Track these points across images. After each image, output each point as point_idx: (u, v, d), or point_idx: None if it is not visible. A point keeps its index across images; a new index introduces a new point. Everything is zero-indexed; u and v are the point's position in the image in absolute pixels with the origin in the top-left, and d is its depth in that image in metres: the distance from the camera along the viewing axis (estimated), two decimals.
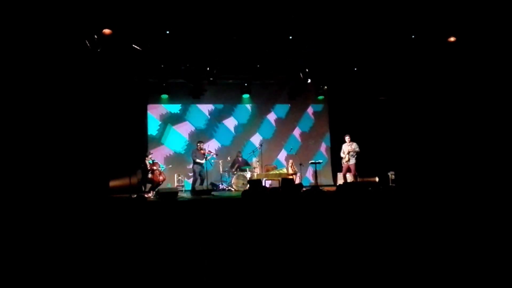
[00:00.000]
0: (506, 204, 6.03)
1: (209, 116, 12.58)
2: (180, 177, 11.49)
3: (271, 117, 12.96)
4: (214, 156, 10.97)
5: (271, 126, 12.93)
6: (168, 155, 12.05)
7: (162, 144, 12.12)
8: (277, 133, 12.94)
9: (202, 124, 12.51)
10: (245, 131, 12.72)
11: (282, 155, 12.59)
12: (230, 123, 12.74)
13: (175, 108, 12.34)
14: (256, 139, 12.28)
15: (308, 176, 12.51)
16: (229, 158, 12.02)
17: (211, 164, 11.03)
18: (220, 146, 12.40)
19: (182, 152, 12.08)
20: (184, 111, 12.45)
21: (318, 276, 2.85)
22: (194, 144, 11.10)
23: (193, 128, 12.38)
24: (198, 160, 10.57)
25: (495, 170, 9.06)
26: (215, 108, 12.64)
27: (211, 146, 12.01)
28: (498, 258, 3.16)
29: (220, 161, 11.72)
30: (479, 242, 3.72)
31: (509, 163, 8.91)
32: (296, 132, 13.06)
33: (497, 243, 3.62)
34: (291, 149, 11.67)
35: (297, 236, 4.15)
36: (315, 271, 2.97)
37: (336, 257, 3.30)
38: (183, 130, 12.31)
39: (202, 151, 10.66)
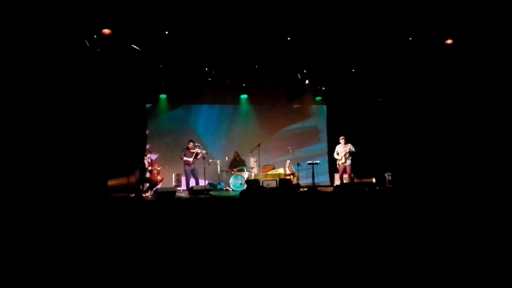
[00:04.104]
0: (502, 203, 6.09)
1: (207, 116, 12.62)
2: (178, 177, 11.50)
3: (269, 117, 13.00)
4: (204, 156, 10.85)
5: (269, 126, 12.97)
6: (166, 154, 12.05)
7: (159, 142, 12.15)
8: (275, 133, 12.98)
9: (200, 124, 12.55)
10: (243, 131, 12.74)
11: (280, 156, 12.62)
12: (228, 123, 12.78)
13: (173, 108, 12.40)
14: (254, 139, 12.29)
15: (306, 177, 12.53)
16: (226, 158, 12.05)
17: (209, 164, 11.08)
18: (218, 146, 12.42)
19: (179, 152, 12.07)
20: (182, 111, 12.50)
21: (315, 276, 2.89)
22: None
23: (191, 128, 12.41)
24: (185, 159, 10.63)
25: (492, 170, 9.13)
26: (213, 108, 12.69)
27: (209, 146, 12.02)
28: (494, 259, 3.20)
29: (218, 161, 11.74)
30: (475, 242, 3.77)
31: (506, 163, 8.99)
32: (294, 132, 13.10)
33: (494, 243, 3.67)
34: (289, 149, 11.70)
35: (295, 235, 4.19)
36: (312, 271, 3.01)
37: (333, 257, 3.34)
38: (181, 129, 12.34)
39: (192, 150, 10.69)
